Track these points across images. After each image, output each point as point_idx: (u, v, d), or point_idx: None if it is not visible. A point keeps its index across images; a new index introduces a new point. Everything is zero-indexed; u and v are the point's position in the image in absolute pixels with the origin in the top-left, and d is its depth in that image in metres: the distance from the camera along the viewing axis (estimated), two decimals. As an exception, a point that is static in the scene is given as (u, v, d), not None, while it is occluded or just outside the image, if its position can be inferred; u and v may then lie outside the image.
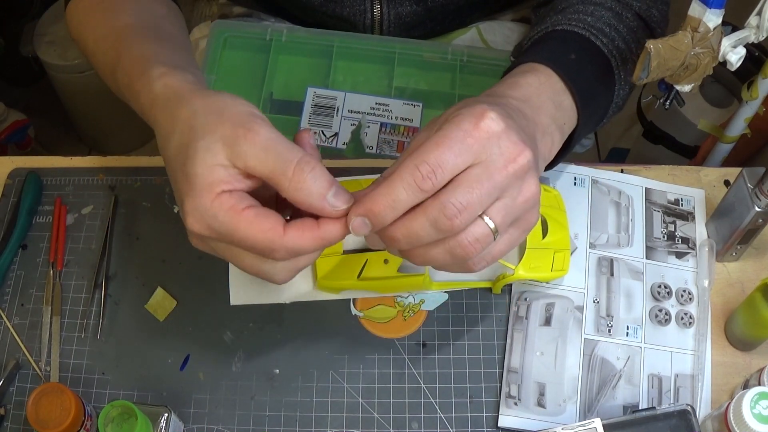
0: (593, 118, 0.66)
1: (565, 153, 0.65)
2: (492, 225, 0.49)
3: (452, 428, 0.67)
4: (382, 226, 0.48)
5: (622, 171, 0.79)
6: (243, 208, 0.47)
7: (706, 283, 0.72)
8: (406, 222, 0.48)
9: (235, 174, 0.48)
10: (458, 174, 0.47)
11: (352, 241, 0.72)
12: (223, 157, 0.48)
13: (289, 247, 0.47)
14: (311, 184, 0.47)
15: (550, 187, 0.75)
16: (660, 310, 0.71)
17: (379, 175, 0.75)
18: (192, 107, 0.51)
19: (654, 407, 0.62)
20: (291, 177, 0.47)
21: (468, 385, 0.68)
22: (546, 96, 0.59)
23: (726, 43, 0.69)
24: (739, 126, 1.19)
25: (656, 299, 0.72)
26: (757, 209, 0.67)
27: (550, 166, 0.64)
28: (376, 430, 0.67)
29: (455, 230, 0.48)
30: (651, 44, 0.65)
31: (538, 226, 0.70)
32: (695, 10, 0.67)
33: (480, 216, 0.49)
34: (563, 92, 0.61)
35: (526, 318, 0.70)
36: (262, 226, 0.47)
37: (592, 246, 0.74)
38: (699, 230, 0.76)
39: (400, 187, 0.47)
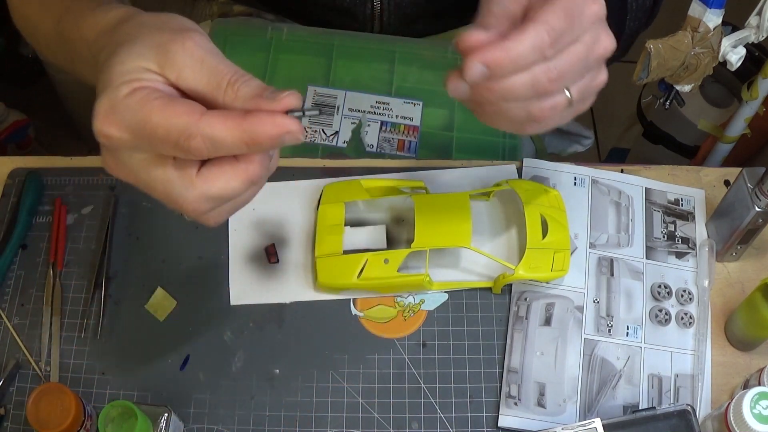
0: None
1: None
2: (570, 97, 0.51)
3: (452, 428, 0.67)
4: (498, 78, 0.48)
5: (622, 171, 0.79)
6: (156, 97, 0.43)
7: (706, 283, 0.72)
8: (512, 77, 0.48)
9: (160, 80, 0.45)
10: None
11: (352, 241, 0.72)
12: (154, 64, 0.45)
13: (206, 133, 0.42)
14: (246, 90, 0.44)
15: (550, 187, 0.75)
16: (660, 310, 0.71)
17: (381, 176, 0.76)
18: (141, 21, 0.49)
19: (654, 407, 0.62)
20: (225, 88, 0.44)
21: (468, 385, 0.68)
22: None
23: (726, 43, 0.69)
24: (739, 126, 1.19)
25: (656, 299, 0.72)
26: (757, 209, 0.66)
27: None
28: (376, 430, 0.67)
29: (548, 94, 0.50)
30: (651, 44, 0.65)
31: (539, 226, 0.70)
32: (695, 10, 0.67)
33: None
34: None
35: (526, 318, 0.70)
36: (176, 109, 0.43)
37: (592, 246, 0.74)
38: (699, 230, 0.76)
39: (530, 47, 0.47)
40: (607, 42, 0.52)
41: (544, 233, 0.70)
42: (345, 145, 0.82)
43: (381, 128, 0.83)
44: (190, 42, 0.44)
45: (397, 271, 0.69)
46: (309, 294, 0.72)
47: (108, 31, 0.50)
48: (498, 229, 0.75)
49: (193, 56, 0.44)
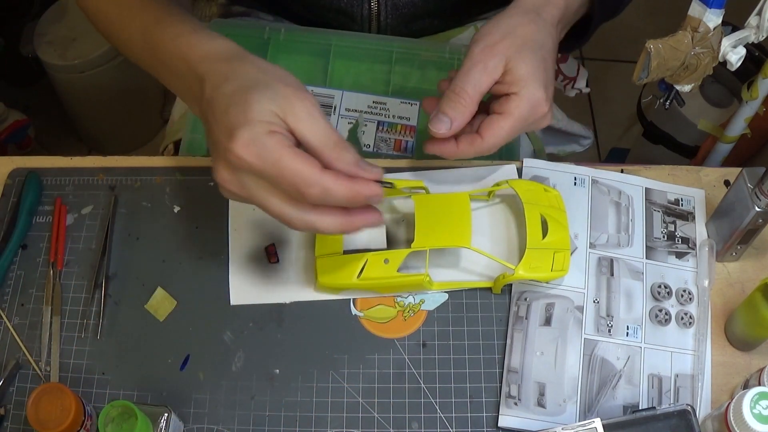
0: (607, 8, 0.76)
1: (583, 41, 0.77)
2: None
3: (452, 428, 0.67)
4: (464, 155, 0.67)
5: (622, 171, 0.79)
6: (289, 145, 0.55)
7: (706, 283, 0.72)
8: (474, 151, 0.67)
9: (283, 125, 0.56)
10: None
11: (352, 241, 0.72)
12: (280, 110, 0.56)
13: (324, 186, 0.54)
14: (348, 157, 0.56)
15: (550, 187, 0.75)
16: (660, 310, 0.71)
17: (387, 175, 0.76)
18: (259, 66, 0.60)
19: (654, 407, 0.62)
20: (332, 149, 0.56)
21: (468, 385, 0.68)
22: None
23: (726, 43, 0.69)
24: (739, 126, 1.19)
25: (656, 299, 0.72)
26: (757, 209, 0.66)
27: (566, 50, 0.78)
28: (376, 430, 0.67)
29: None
30: (651, 44, 0.65)
31: (539, 226, 0.70)
32: (695, 10, 0.67)
33: None
34: None
35: (526, 318, 0.70)
36: (305, 161, 0.54)
37: (592, 246, 0.74)
38: (699, 230, 0.76)
39: (475, 154, 0.66)
40: (547, 121, 0.68)
41: (544, 233, 0.70)
42: (344, 145, 0.82)
43: (378, 128, 0.83)
44: (308, 102, 0.56)
45: (397, 271, 0.69)
46: (309, 294, 0.72)
47: (219, 60, 0.61)
48: (498, 229, 0.75)
49: (311, 114, 0.56)
